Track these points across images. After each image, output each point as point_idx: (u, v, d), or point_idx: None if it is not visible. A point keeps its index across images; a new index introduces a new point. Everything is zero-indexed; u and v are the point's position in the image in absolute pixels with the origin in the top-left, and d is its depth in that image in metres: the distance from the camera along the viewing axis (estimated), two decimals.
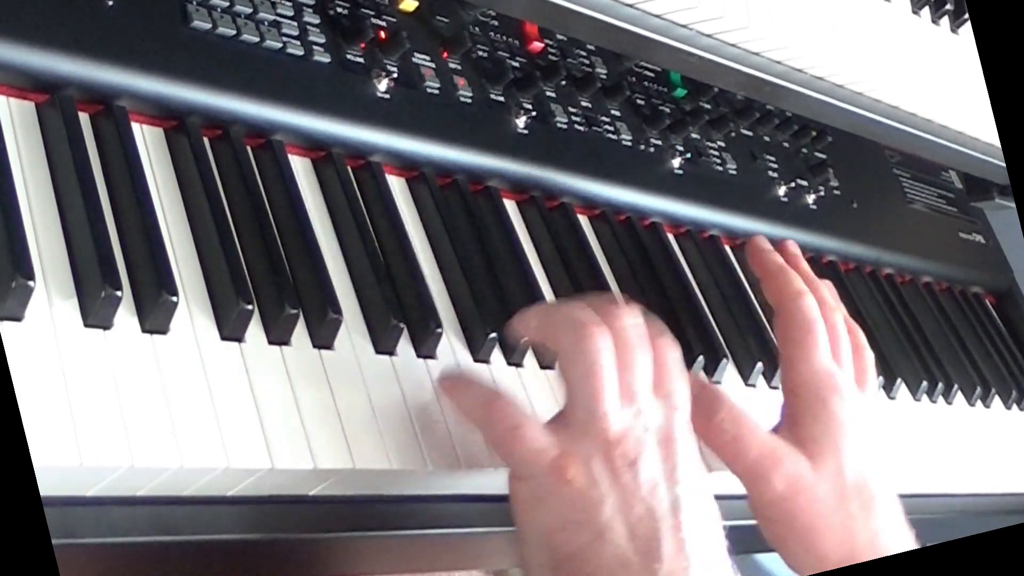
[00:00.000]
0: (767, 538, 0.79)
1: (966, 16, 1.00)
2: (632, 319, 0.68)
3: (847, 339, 0.83)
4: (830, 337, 0.81)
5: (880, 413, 0.91)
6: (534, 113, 0.89)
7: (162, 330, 0.63)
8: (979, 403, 1.12)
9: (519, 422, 0.65)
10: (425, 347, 0.73)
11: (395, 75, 0.81)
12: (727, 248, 1.01)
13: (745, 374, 0.91)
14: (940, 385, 1.07)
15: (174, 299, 0.62)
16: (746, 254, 0.89)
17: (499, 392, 0.68)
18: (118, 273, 0.61)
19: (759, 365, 0.91)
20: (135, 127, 0.70)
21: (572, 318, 0.67)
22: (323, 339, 0.68)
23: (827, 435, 0.77)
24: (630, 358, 0.67)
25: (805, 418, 0.78)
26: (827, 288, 0.86)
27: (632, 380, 0.66)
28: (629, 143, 0.96)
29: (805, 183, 1.10)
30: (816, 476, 0.76)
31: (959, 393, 1.10)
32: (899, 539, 0.78)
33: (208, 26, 0.73)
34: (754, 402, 0.90)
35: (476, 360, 0.76)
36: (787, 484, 0.75)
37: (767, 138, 1.10)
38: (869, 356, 0.84)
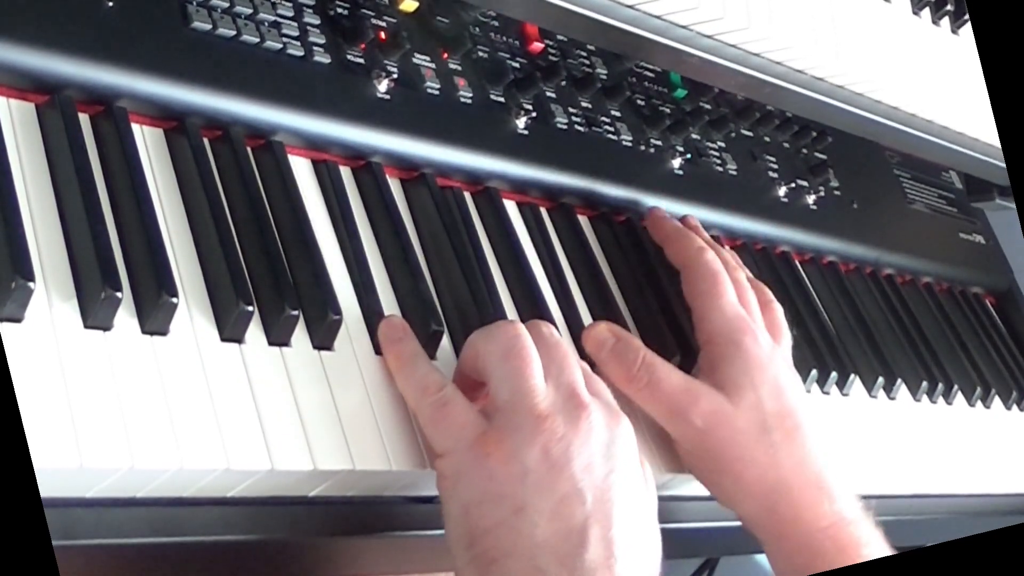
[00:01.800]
0: (698, 478, 0.80)
1: (966, 17, 1.00)
2: (554, 332, 0.69)
3: (752, 292, 0.85)
4: (736, 290, 0.83)
5: (869, 413, 0.92)
6: (534, 114, 0.89)
7: (162, 331, 0.63)
8: (979, 403, 1.12)
9: (449, 399, 0.65)
10: (425, 347, 0.72)
11: (395, 76, 0.81)
12: (727, 248, 1.01)
13: None
14: (940, 385, 1.07)
15: (174, 300, 0.62)
16: (648, 224, 0.92)
17: (440, 377, 0.68)
18: (118, 274, 0.61)
19: None
20: (135, 128, 0.70)
21: (492, 326, 0.68)
22: (323, 340, 0.68)
23: (743, 373, 0.78)
24: (558, 355, 0.67)
25: (721, 362, 0.79)
26: (729, 252, 0.90)
27: (565, 372, 0.66)
28: (629, 143, 0.96)
29: (805, 183, 1.10)
30: (734, 409, 0.77)
31: (959, 393, 1.10)
32: (826, 463, 0.78)
33: (208, 27, 0.73)
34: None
35: None
36: (705, 419, 0.77)
37: (767, 138, 1.10)
38: (778, 309, 0.86)
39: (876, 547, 0.77)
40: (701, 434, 0.77)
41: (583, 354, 0.78)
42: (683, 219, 0.93)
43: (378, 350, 0.71)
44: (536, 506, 0.61)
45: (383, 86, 0.80)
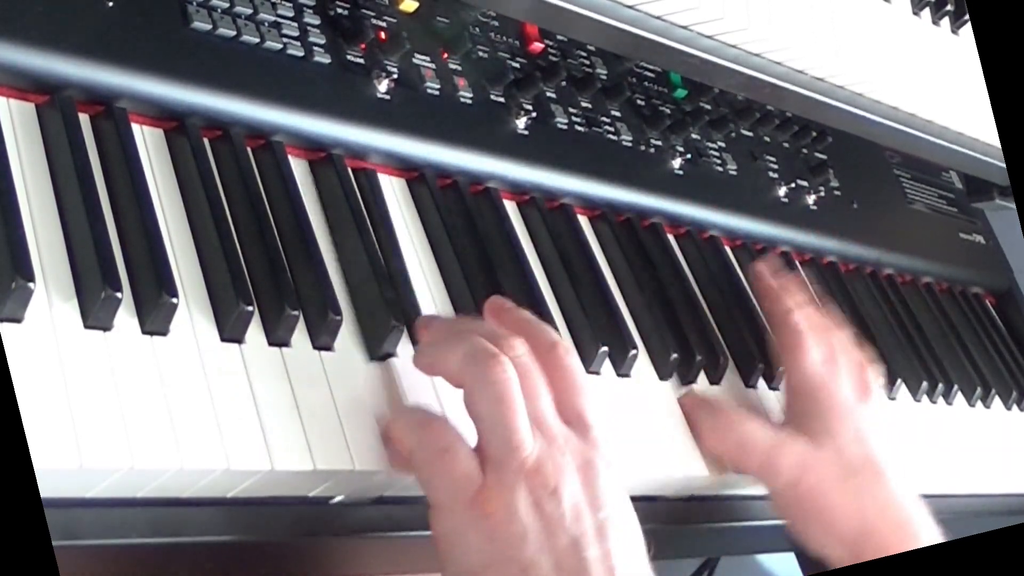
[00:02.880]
0: (791, 530, 0.83)
1: (966, 17, 1.00)
2: (521, 346, 0.65)
3: (846, 354, 0.88)
4: (825, 349, 0.87)
5: (890, 419, 0.93)
6: (534, 114, 0.89)
7: (162, 331, 0.63)
8: (979, 403, 1.12)
9: (450, 444, 0.63)
10: None
11: (395, 76, 0.81)
12: (727, 249, 1.01)
13: (746, 376, 0.91)
14: (940, 385, 1.07)
15: (174, 300, 0.62)
16: (751, 276, 0.96)
17: (436, 413, 0.66)
18: (118, 274, 0.61)
19: (760, 366, 0.91)
20: (135, 128, 0.70)
21: (472, 349, 0.64)
22: (323, 340, 0.68)
23: (826, 419, 0.83)
24: (530, 385, 0.64)
25: (805, 411, 0.84)
26: (824, 314, 0.93)
27: (536, 406, 0.64)
28: (629, 144, 0.96)
29: (805, 183, 1.10)
30: (818, 454, 0.81)
31: (959, 393, 1.10)
32: (912, 509, 0.82)
33: (208, 27, 0.73)
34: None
35: None
36: (793, 468, 0.80)
37: (767, 139, 1.10)
38: (871, 372, 0.90)
39: None
40: (790, 484, 0.81)
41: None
42: (786, 279, 0.95)
43: (378, 350, 0.71)
44: (539, 563, 0.61)
45: (383, 86, 0.80)
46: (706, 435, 0.81)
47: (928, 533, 0.81)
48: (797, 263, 1.07)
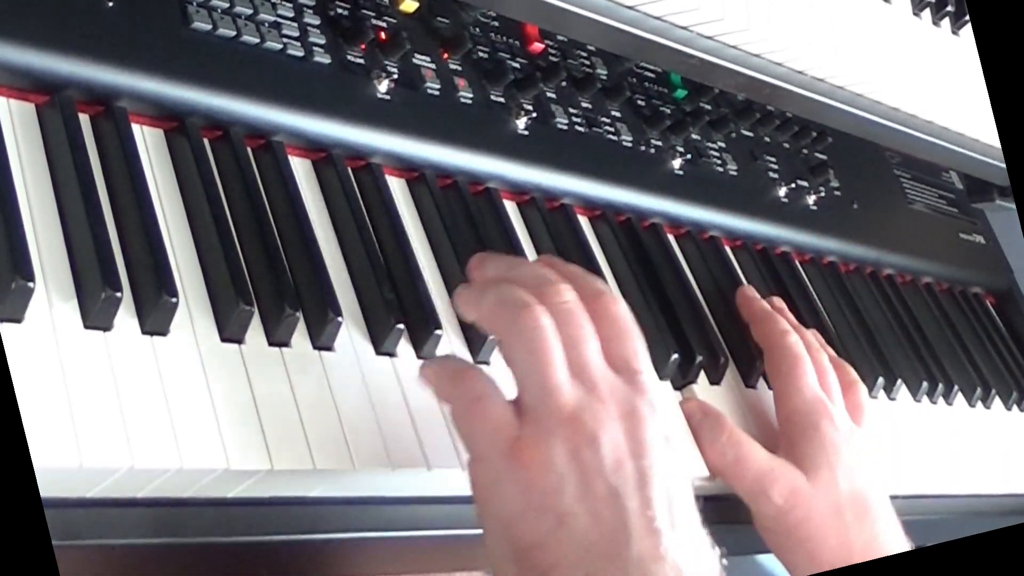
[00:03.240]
0: (773, 551, 0.83)
1: (967, 18, 1.00)
2: (567, 292, 0.64)
3: (834, 375, 0.89)
4: (817, 372, 0.87)
5: (879, 436, 0.93)
6: (534, 114, 0.89)
7: (162, 331, 0.63)
8: (979, 404, 1.12)
9: (484, 393, 0.63)
10: (426, 348, 0.73)
11: (395, 76, 0.81)
12: (727, 249, 1.01)
13: (745, 375, 0.91)
14: (940, 386, 1.07)
15: (174, 300, 0.62)
16: (737, 302, 0.95)
17: (469, 363, 0.66)
18: (118, 274, 0.61)
19: (760, 366, 0.91)
20: (135, 128, 0.70)
21: (507, 299, 0.64)
22: (323, 341, 0.68)
23: (821, 454, 0.83)
24: (573, 331, 0.63)
25: (800, 441, 0.84)
26: (813, 334, 0.93)
27: (580, 354, 0.63)
28: (629, 144, 0.96)
29: (805, 184, 1.10)
30: (812, 489, 0.81)
31: (959, 393, 1.10)
32: (894, 545, 0.82)
33: (208, 27, 0.73)
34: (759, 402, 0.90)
35: (477, 361, 0.76)
36: (785, 498, 0.81)
37: (767, 139, 1.10)
38: (861, 390, 0.90)
39: None
40: (780, 512, 0.81)
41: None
42: (769, 298, 0.96)
43: (379, 351, 0.71)
44: (577, 513, 0.60)
45: (383, 86, 0.80)
46: (706, 445, 0.82)
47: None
48: (797, 263, 1.07)
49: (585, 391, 0.62)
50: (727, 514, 0.81)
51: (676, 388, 0.86)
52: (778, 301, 0.96)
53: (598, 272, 0.88)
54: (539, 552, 0.60)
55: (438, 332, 0.73)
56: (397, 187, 0.81)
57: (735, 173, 1.04)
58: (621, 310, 0.66)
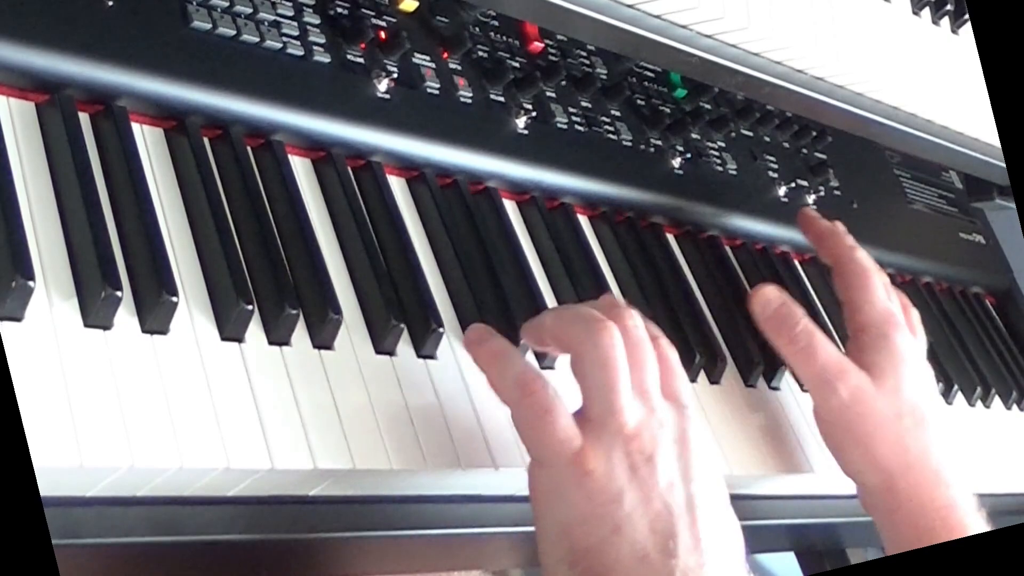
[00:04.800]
0: (828, 445, 0.86)
1: (966, 17, 1.00)
2: (638, 319, 0.69)
3: (895, 293, 0.92)
4: (886, 286, 0.90)
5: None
6: (534, 113, 0.89)
7: (162, 330, 0.63)
8: (979, 403, 1.12)
9: (551, 406, 0.65)
10: (425, 347, 0.73)
11: (395, 75, 0.81)
12: (727, 248, 1.01)
13: (745, 375, 0.91)
14: (940, 385, 1.07)
15: (174, 299, 0.62)
16: (799, 222, 0.98)
17: (537, 372, 0.67)
18: (118, 273, 0.61)
19: (760, 366, 0.91)
20: (135, 127, 0.70)
21: (583, 315, 0.68)
22: (323, 339, 0.68)
23: (889, 361, 0.85)
24: (639, 356, 0.67)
25: (870, 350, 0.86)
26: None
27: (643, 378, 0.67)
28: (629, 143, 0.96)
29: (805, 183, 1.10)
30: (876, 391, 0.84)
31: (959, 393, 1.10)
32: (947, 459, 0.85)
33: (208, 26, 0.73)
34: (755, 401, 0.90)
35: (542, 367, 0.76)
36: (850, 394, 0.83)
37: (767, 138, 1.10)
38: (915, 313, 0.93)
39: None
40: (843, 405, 0.83)
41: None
42: (833, 222, 0.98)
43: (379, 350, 0.71)
44: (633, 524, 0.64)
45: (383, 86, 0.80)
46: (782, 330, 0.85)
47: (959, 483, 0.84)
48: (797, 263, 1.07)
49: (646, 412, 0.66)
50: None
51: None
52: (840, 224, 0.98)
53: (598, 272, 0.88)
54: (595, 556, 0.64)
55: (439, 331, 0.73)
56: (397, 186, 0.81)
57: (735, 173, 1.04)
58: (675, 354, 0.72)
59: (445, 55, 0.86)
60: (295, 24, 0.78)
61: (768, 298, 0.86)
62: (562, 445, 0.64)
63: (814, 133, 1.14)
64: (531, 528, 0.66)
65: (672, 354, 0.71)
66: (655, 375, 0.68)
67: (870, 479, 0.84)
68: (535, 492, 0.66)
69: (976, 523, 0.83)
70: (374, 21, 0.83)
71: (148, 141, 0.71)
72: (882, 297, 0.89)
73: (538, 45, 0.94)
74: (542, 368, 0.77)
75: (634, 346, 0.68)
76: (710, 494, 0.67)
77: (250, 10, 0.76)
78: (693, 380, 0.87)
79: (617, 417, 0.65)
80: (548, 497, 0.65)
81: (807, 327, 0.84)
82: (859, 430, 0.84)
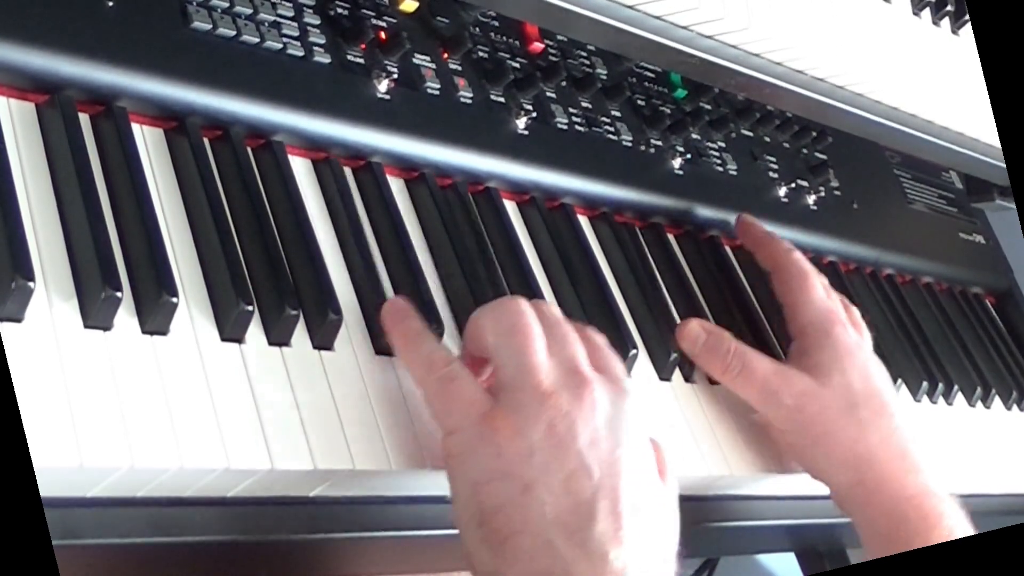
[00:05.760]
0: (794, 458, 0.85)
1: (966, 17, 1.00)
2: (555, 308, 0.69)
3: (835, 293, 0.91)
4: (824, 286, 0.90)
5: None
6: (534, 114, 0.89)
7: (162, 331, 0.63)
8: (979, 403, 1.12)
9: (456, 375, 0.65)
10: None
11: (395, 76, 0.81)
12: (727, 248, 1.01)
13: None
14: (940, 385, 1.07)
15: (174, 300, 0.62)
16: (735, 230, 0.98)
17: (447, 352, 0.67)
18: (118, 274, 0.61)
19: None
20: (135, 128, 0.70)
21: (491, 305, 0.68)
22: (323, 340, 0.69)
23: (834, 358, 0.84)
24: (558, 332, 0.67)
25: (813, 350, 0.86)
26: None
27: (564, 350, 0.66)
28: (629, 144, 0.96)
29: (805, 184, 1.10)
30: (822, 390, 0.83)
31: (959, 393, 1.10)
32: (912, 442, 0.84)
33: (208, 27, 0.73)
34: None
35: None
36: (794, 400, 0.83)
37: (767, 139, 1.10)
38: (856, 310, 0.92)
39: (958, 520, 0.81)
40: (792, 412, 0.83)
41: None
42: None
43: (379, 350, 0.71)
44: (544, 483, 0.61)
45: (383, 86, 0.80)
46: (714, 361, 0.84)
47: (928, 467, 0.83)
48: None
49: (567, 375, 0.65)
50: (727, 514, 0.82)
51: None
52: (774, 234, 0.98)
53: (598, 272, 0.88)
54: (502, 517, 0.61)
55: (438, 331, 0.72)
56: (397, 187, 0.81)
57: (735, 173, 1.04)
58: (603, 339, 0.70)
59: (445, 55, 0.86)
60: (295, 25, 0.78)
61: (694, 334, 0.85)
62: (470, 407, 0.63)
63: (814, 133, 1.14)
64: None
65: (600, 338, 0.70)
66: (580, 350, 0.67)
67: (837, 478, 0.83)
68: (448, 459, 0.64)
69: (951, 509, 0.82)
70: (374, 21, 0.83)
71: (148, 142, 0.71)
72: (821, 296, 0.88)
73: (538, 45, 0.94)
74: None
75: (552, 326, 0.67)
76: (638, 464, 0.64)
77: (250, 11, 0.76)
78: (691, 380, 0.87)
79: (531, 376, 0.64)
80: (459, 460, 0.63)
81: (737, 349, 0.84)
82: (814, 432, 0.83)
